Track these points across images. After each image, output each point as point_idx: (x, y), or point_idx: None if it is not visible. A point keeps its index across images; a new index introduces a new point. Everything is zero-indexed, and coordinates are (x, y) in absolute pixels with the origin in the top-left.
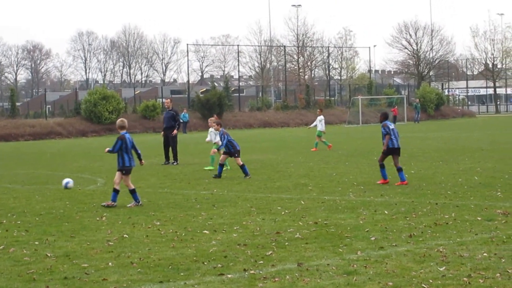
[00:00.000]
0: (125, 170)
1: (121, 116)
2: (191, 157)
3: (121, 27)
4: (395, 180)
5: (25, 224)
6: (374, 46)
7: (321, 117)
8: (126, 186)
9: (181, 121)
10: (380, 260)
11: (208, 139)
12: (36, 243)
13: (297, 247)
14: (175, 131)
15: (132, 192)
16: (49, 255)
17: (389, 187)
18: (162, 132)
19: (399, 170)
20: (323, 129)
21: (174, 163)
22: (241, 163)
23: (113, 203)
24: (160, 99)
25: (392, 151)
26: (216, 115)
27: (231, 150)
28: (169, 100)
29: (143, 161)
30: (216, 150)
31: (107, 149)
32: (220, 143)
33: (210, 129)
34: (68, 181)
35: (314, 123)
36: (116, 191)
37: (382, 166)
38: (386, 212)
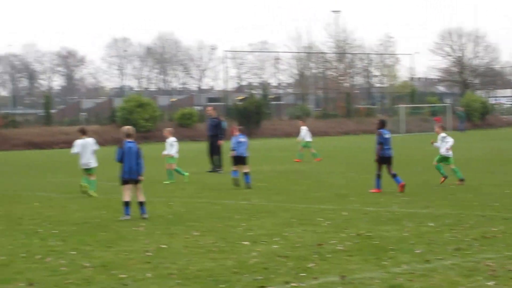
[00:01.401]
0: (122, 180)
1: (158, 124)
2: (229, 166)
3: (157, 34)
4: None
5: (61, 234)
6: (416, 53)
7: (305, 127)
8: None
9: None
10: (426, 274)
11: (166, 152)
12: (73, 252)
13: (339, 259)
14: (220, 142)
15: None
16: (86, 265)
17: (435, 199)
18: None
19: (394, 176)
20: (308, 139)
21: (220, 171)
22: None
23: (127, 216)
24: (197, 107)
25: (384, 160)
26: (255, 123)
27: None
28: (211, 108)
29: (141, 177)
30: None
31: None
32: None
33: (169, 140)
34: None
35: (303, 135)
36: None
37: (377, 176)
38: (431, 224)
